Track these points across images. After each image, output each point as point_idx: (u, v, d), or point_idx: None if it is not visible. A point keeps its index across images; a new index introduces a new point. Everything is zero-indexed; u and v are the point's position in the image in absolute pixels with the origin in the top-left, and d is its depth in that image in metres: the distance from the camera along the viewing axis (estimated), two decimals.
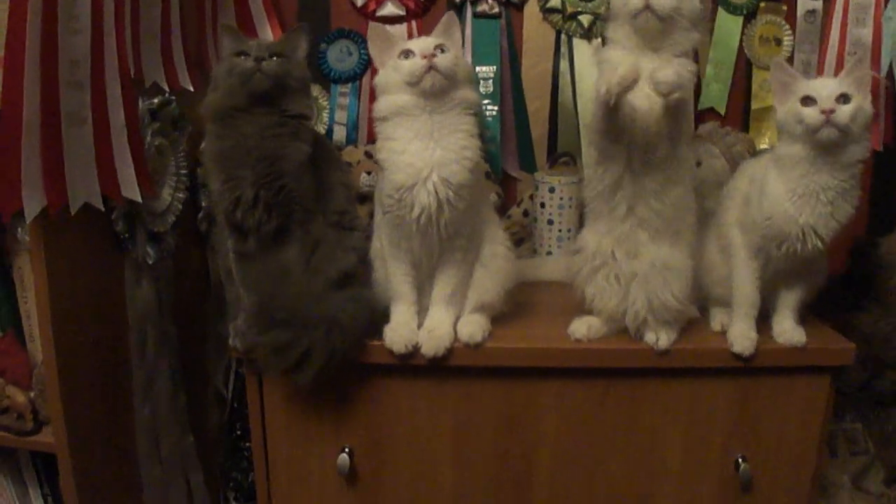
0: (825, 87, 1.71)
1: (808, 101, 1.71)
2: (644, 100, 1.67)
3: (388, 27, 2.54)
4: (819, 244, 1.76)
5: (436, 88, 1.70)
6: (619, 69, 1.65)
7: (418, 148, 1.71)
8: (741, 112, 2.66)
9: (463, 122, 1.75)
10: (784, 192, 1.76)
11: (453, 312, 1.84)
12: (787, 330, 1.85)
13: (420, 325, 1.82)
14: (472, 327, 1.81)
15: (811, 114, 1.69)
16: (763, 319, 1.88)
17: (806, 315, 1.94)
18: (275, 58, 1.75)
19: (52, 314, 1.76)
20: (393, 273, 1.82)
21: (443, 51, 1.72)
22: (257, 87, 1.73)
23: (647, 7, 1.68)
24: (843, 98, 1.69)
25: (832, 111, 1.66)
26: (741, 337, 1.82)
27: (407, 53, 1.73)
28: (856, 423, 2.43)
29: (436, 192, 1.70)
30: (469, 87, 1.78)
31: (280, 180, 1.74)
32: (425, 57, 1.69)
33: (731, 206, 1.92)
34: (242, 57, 1.74)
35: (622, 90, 1.64)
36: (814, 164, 1.72)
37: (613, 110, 1.67)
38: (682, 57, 1.73)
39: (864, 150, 1.72)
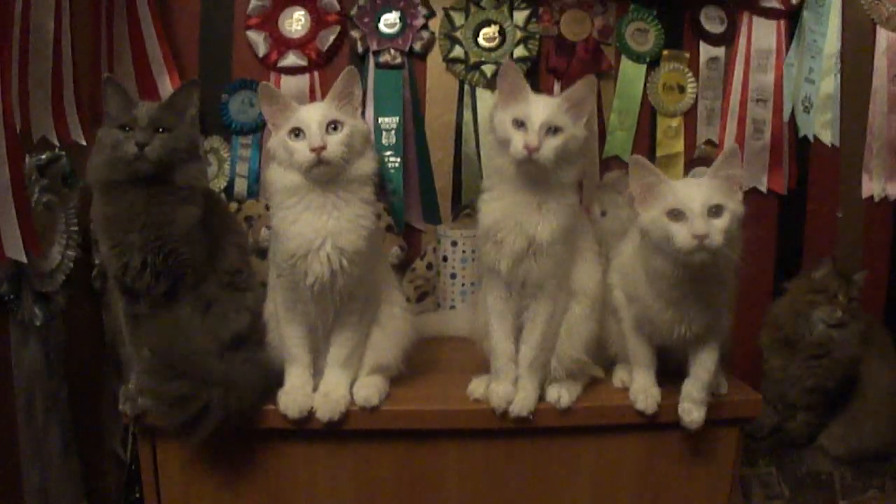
0: (695, 198, 1.58)
1: (675, 214, 1.59)
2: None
3: (288, 78, 2.55)
4: (689, 334, 1.73)
5: (325, 178, 1.67)
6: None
7: (311, 218, 1.67)
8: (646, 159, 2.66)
9: (359, 191, 1.72)
10: (651, 292, 1.73)
11: (349, 375, 1.79)
12: (686, 409, 1.76)
13: (316, 388, 1.77)
14: (369, 390, 1.76)
15: (681, 236, 1.57)
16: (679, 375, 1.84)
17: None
18: (160, 132, 1.69)
19: None
20: (287, 335, 1.77)
21: (336, 127, 1.67)
22: (140, 171, 1.68)
23: (531, 159, 1.65)
24: (715, 210, 1.58)
25: (705, 236, 1.55)
26: (643, 394, 1.80)
27: (297, 132, 1.67)
28: (770, 467, 2.44)
29: (329, 262, 1.66)
30: (365, 156, 1.73)
31: (169, 245, 1.70)
32: (314, 150, 1.64)
33: (617, 265, 1.88)
34: (126, 131, 1.69)
35: None
36: (682, 279, 1.66)
37: None
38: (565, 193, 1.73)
39: (736, 255, 1.63)
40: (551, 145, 1.65)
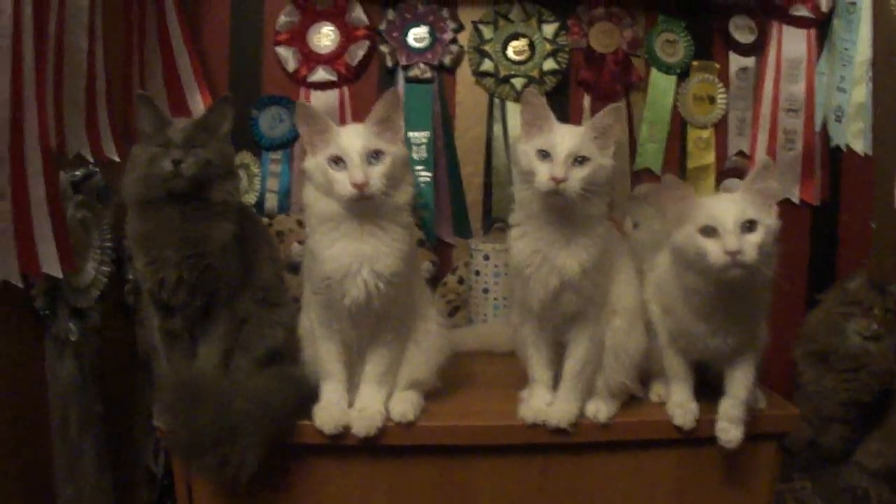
0: (727, 214, 1.55)
1: (708, 230, 1.57)
2: None
3: (317, 93, 2.57)
4: (725, 348, 1.72)
5: (365, 210, 1.65)
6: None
7: (347, 244, 1.65)
8: (677, 171, 2.65)
9: (396, 218, 1.69)
10: (685, 307, 1.71)
11: (385, 390, 1.78)
12: (723, 428, 1.73)
13: (351, 404, 1.76)
14: (405, 405, 1.75)
15: (714, 253, 1.55)
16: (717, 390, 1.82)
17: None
18: (195, 149, 1.70)
19: None
20: (323, 351, 1.76)
21: (376, 156, 1.63)
22: (176, 188, 1.68)
23: (557, 191, 1.62)
24: (749, 225, 1.56)
25: (738, 251, 1.53)
26: (680, 409, 1.77)
27: (337, 160, 1.62)
28: (805, 482, 2.41)
29: (365, 286, 1.65)
30: (403, 186, 1.70)
31: (204, 261, 1.71)
32: (355, 185, 1.59)
33: (651, 279, 1.85)
34: (161, 149, 1.69)
35: None
36: (717, 295, 1.63)
37: None
38: (595, 225, 1.70)
39: (770, 272, 1.60)
40: (578, 176, 1.61)
